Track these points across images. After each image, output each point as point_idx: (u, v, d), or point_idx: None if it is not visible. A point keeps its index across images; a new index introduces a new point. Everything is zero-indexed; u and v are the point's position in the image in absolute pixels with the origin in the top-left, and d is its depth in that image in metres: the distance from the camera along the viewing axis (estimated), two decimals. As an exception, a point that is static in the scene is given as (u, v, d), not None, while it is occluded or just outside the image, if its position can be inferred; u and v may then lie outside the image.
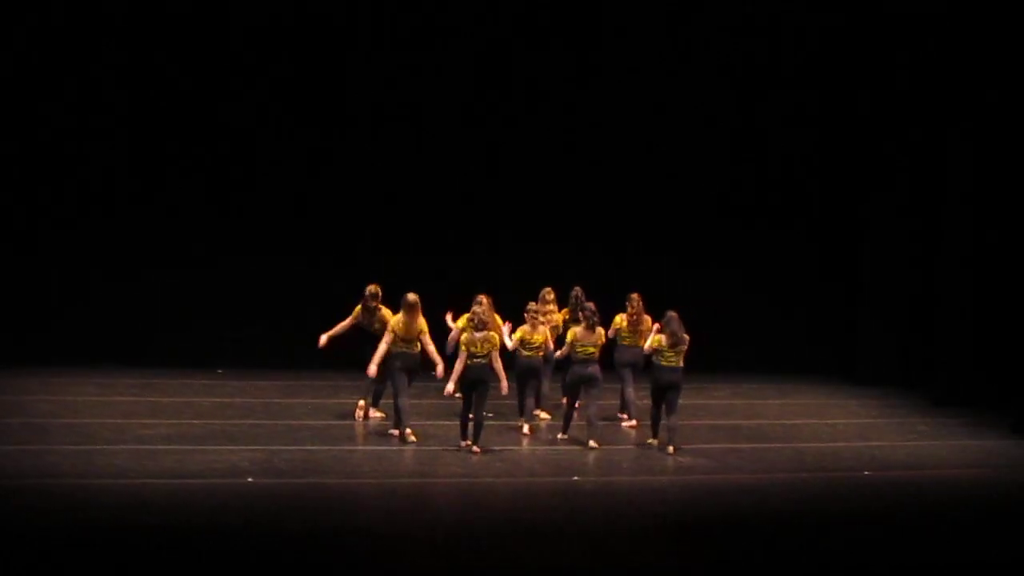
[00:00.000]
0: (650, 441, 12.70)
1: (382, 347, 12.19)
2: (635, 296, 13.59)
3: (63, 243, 16.30)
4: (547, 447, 12.37)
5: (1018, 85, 15.20)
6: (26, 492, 9.68)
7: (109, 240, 16.48)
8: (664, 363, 12.32)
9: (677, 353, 12.32)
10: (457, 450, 11.99)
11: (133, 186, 16.62)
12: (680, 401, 12.47)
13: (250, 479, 10.44)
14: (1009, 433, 13.90)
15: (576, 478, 11.12)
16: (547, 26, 17.56)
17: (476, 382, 11.86)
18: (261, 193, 17.04)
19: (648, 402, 12.93)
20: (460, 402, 12.10)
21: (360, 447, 11.95)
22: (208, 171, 16.91)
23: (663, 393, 12.40)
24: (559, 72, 17.64)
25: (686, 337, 12.36)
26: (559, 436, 12.73)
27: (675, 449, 12.33)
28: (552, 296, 13.52)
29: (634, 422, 13.55)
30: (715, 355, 17.04)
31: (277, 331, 16.38)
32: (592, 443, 12.30)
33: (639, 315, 13.51)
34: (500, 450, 12.05)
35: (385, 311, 12.90)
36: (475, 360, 11.80)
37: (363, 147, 17.33)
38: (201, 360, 16.04)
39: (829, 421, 14.52)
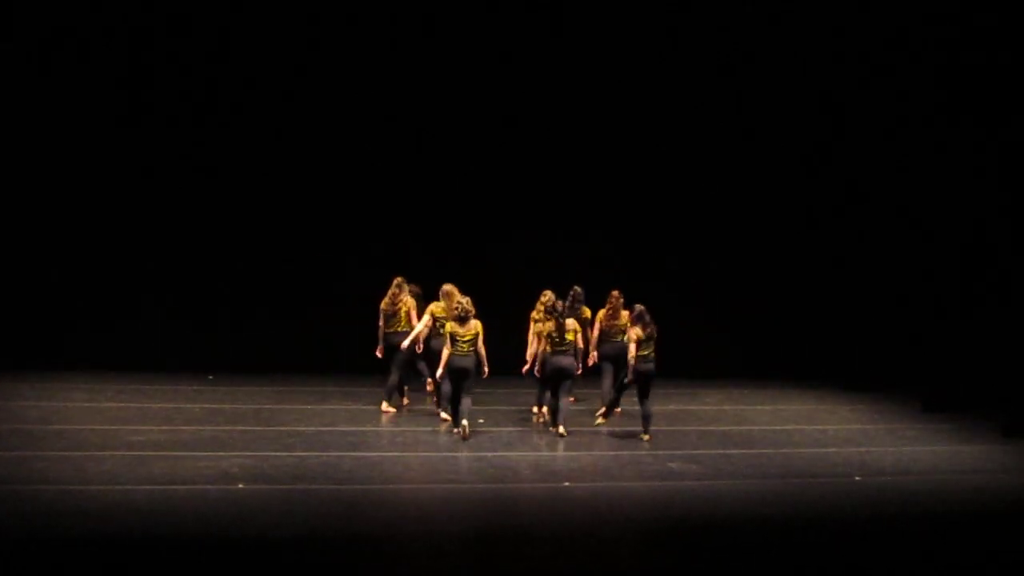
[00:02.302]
0: (644, 437, 12.96)
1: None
2: (614, 293, 14.18)
3: (54, 248, 16.29)
4: (538, 453, 12.37)
5: (1010, 86, 15.26)
6: (15, 498, 9.65)
7: (100, 245, 16.47)
8: (641, 352, 12.79)
9: (651, 343, 12.85)
10: (450, 433, 12.79)
11: (124, 191, 16.61)
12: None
13: (241, 485, 10.42)
14: (998, 438, 13.93)
15: (567, 483, 11.11)
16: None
17: (461, 370, 12.67)
18: (252, 196, 17.03)
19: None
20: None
21: (350, 453, 11.91)
22: (200, 174, 16.90)
23: (646, 385, 12.93)
24: (558, 65, 17.67)
25: (655, 327, 12.94)
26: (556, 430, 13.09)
27: (649, 437, 12.99)
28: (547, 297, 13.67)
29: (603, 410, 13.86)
30: (705, 360, 17.10)
31: (268, 337, 16.39)
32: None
33: (616, 311, 14.05)
34: (491, 456, 12.04)
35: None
36: (460, 349, 12.67)
37: (354, 151, 17.35)
38: (191, 366, 16.05)
39: (819, 427, 14.52)
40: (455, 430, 12.77)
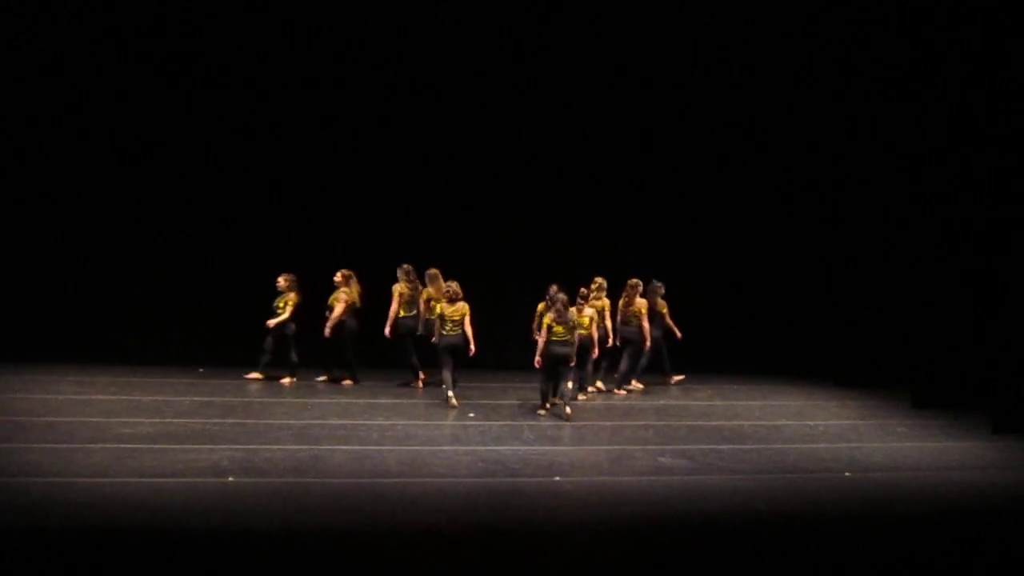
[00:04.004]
0: (540, 412, 13.93)
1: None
2: (632, 281, 15.69)
3: (43, 240, 16.26)
4: (528, 447, 12.37)
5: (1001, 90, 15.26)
6: (4, 490, 9.63)
7: (90, 237, 16.44)
8: (554, 338, 13.71)
9: (566, 329, 13.73)
10: (445, 403, 14.19)
11: (114, 183, 16.59)
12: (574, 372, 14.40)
13: (231, 478, 10.41)
14: (988, 434, 13.97)
15: (557, 478, 11.11)
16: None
17: (451, 347, 14.23)
18: (246, 188, 17.03)
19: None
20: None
21: (340, 447, 11.91)
22: (189, 167, 16.89)
23: (554, 366, 13.83)
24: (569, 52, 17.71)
25: (572, 317, 13.84)
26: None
27: (571, 411, 13.81)
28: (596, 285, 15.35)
29: (639, 386, 16.23)
30: (696, 356, 17.12)
31: (258, 330, 16.34)
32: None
33: (631, 298, 15.59)
34: (482, 450, 12.05)
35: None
36: (450, 328, 14.23)
37: (347, 144, 17.35)
38: (182, 358, 16.02)
39: (810, 422, 14.56)
40: (449, 393, 14.24)
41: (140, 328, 16.26)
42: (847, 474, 11.76)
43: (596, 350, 15.04)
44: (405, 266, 15.44)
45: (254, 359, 15.59)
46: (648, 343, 15.71)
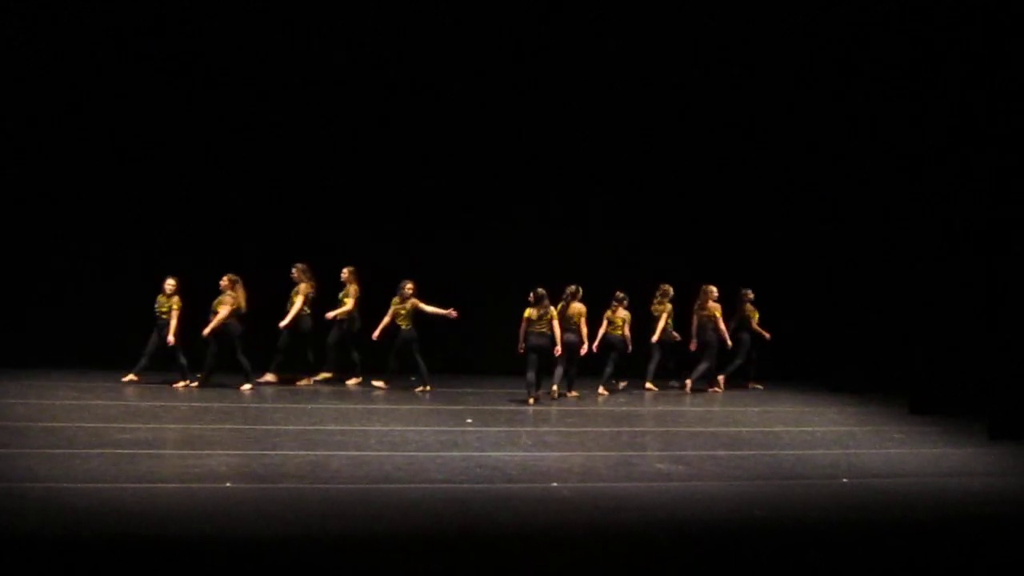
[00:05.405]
0: (529, 402, 14.81)
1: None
2: (705, 287, 16.82)
3: (39, 246, 16.26)
4: (526, 453, 12.37)
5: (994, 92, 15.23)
6: (2, 496, 9.61)
7: (90, 237, 16.46)
8: (532, 330, 14.96)
9: (542, 323, 14.99)
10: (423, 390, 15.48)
11: (114, 183, 16.61)
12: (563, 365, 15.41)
13: (228, 484, 10.40)
14: (986, 440, 13.95)
15: (555, 484, 11.10)
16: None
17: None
18: (241, 190, 17.03)
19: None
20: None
21: (338, 452, 11.90)
22: (189, 167, 16.90)
23: (535, 356, 14.96)
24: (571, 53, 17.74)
25: (552, 311, 15.03)
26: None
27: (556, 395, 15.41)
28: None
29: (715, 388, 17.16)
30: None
31: (254, 335, 16.36)
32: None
33: (704, 303, 16.76)
34: (479, 456, 12.03)
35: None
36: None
37: (347, 144, 17.35)
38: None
39: (807, 428, 14.54)
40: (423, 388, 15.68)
41: (138, 333, 16.21)
42: (845, 480, 11.73)
43: (629, 348, 16.33)
44: (302, 265, 15.70)
45: (251, 364, 15.63)
46: (729, 345, 16.87)
